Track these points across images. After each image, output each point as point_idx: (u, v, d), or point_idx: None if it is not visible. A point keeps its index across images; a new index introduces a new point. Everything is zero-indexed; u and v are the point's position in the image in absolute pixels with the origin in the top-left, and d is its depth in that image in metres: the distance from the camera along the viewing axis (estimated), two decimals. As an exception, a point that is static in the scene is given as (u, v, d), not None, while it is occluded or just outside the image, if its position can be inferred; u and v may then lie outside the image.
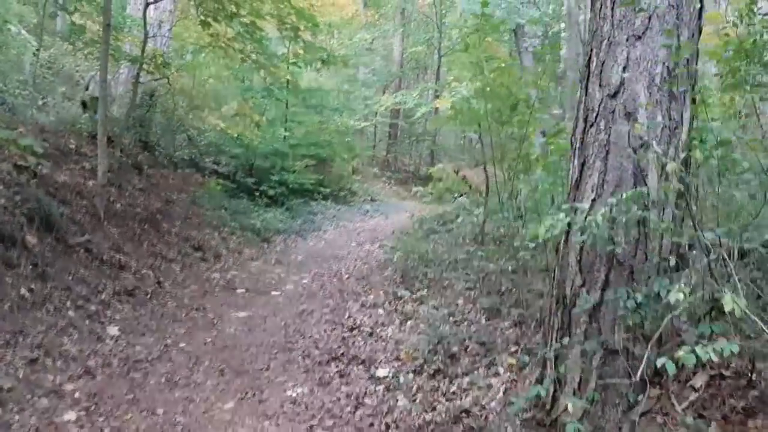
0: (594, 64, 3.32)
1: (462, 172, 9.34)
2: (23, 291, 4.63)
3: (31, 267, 4.94)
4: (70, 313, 4.80)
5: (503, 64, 6.18)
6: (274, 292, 6.77)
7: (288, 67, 10.43)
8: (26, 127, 7.36)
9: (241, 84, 13.50)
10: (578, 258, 3.05)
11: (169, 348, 4.71)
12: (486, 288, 4.70)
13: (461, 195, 9.52)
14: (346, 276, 7.47)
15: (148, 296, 5.88)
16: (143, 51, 8.76)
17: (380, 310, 5.21)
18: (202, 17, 8.29)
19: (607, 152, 3.13)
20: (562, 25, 19.89)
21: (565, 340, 2.99)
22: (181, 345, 4.81)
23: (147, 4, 8.66)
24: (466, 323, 4.24)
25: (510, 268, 4.64)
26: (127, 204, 7.75)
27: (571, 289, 3.06)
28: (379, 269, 7.32)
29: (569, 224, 2.99)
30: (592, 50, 3.37)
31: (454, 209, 9.79)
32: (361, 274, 7.39)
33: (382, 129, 23.32)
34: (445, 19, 21.73)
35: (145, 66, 8.99)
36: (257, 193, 11.80)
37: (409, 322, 4.66)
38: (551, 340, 3.13)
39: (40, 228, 5.44)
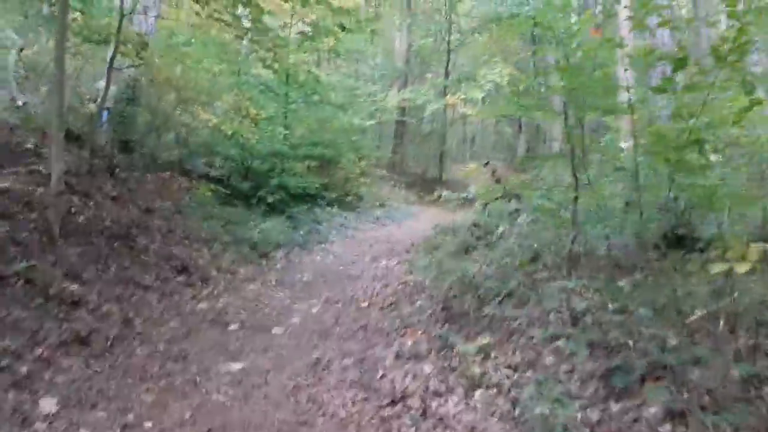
0: None
1: (497, 172, 7.89)
2: None
3: (-68, 313, 3.48)
4: (-15, 381, 3.34)
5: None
6: (276, 329, 5.30)
7: (288, 51, 8.89)
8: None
9: (237, 77, 12.02)
10: None
11: (128, 432, 3.24)
12: (585, 337, 3.26)
13: (496, 199, 8.07)
14: (365, 303, 6.00)
15: (110, 343, 4.40)
16: (119, 29, 7.29)
17: (426, 366, 3.75)
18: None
19: None
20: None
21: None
22: (147, 426, 3.34)
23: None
24: (577, 404, 2.79)
25: (642, 311, 3.18)
26: (93, 216, 6.28)
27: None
28: (407, 296, 5.86)
29: None
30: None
31: (482, 216, 8.34)
32: (385, 301, 5.93)
33: (387, 128, 21.90)
34: (455, 10, 20.30)
35: (122, 49, 7.52)
36: (254, 200, 10.32)
37: (478, 392, 3.21)
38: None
39: (-43, 254, 3.98)
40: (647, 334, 3.04)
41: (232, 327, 5.35)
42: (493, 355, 3.45)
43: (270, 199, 10.59)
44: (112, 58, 7.27)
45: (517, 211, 7.45)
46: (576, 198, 3.96)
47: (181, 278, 6.39)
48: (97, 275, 5.33)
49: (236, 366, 4.29)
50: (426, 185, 20.09)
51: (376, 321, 5.20)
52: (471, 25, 19.65)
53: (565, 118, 4.47)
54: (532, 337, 3.59)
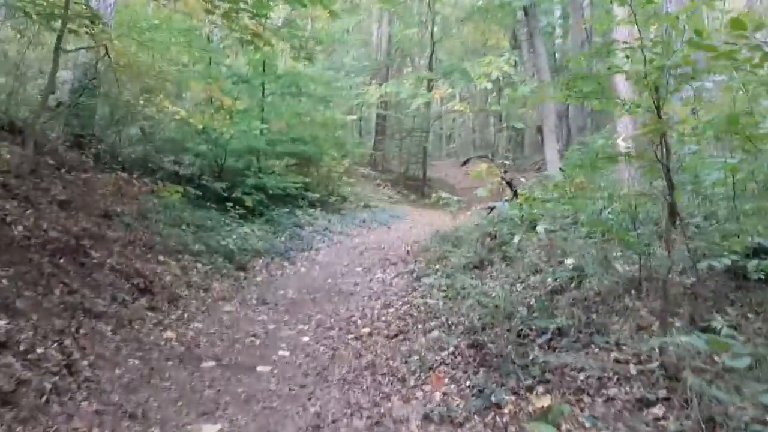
0: None
1: (508, 174, 7.03)
2: None
3: None
4: None
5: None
6: (261, 368, 4.31)
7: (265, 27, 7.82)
8: None
9: (208, 66, 10.89)
10: None
11: None
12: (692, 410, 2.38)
13: (507, 201, 7.21)
14: (366, 329, 5.05)
15: (45, 398, 3.36)
16: (67, 5, 6.16)
17: (469, 437, 2.82)
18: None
19: None
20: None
21: None
22: None
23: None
24: None
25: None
26: (34, 226, 5.19)
27: None
28: (417, 321, 4.93)
29: None
30: None
31: (489, 223, 7.48)
32: (390, 327, 4.98)
33: (367, 124, 20.92)
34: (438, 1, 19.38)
35: (71, 26, 6.39)
36: (229, 202, 9.25)
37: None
38: None
39: None
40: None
41: (206, 364, 4.34)
42: (564, 428, 2.54)
43: (247, 201, 9.53)
44: (60, 37, 6.14)
45: (529, 216, 6.60)
46: (673, 207, 3.06)
47: (143, 300, 5.34)
48: (34, 303, 4.25)
49: (211, 429, 3.29)
50: (409, 184, 19.19)
51: (383, 357, 4.25)
52: (456, 15, 18.78)
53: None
54: (612, 399, 2.69)
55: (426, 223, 10.72)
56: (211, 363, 4.37)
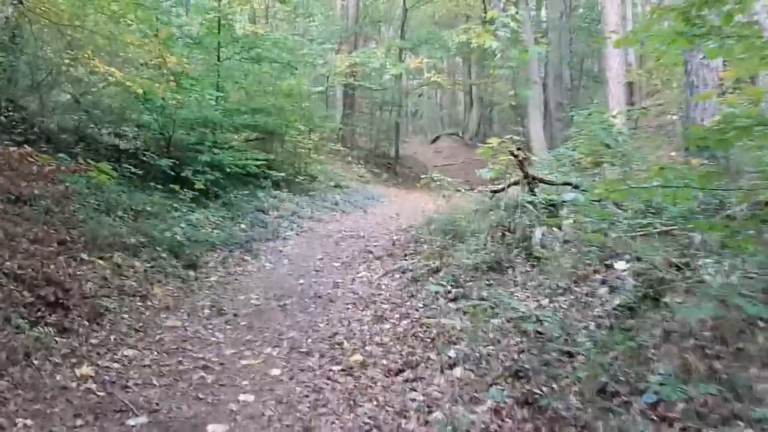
0: None
1: (522, 152, 5.83)
2: None
3: None
4: None
5: None
6: (213, 428, 3.01)
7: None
8: None
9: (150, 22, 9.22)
10: None
11: None
12: None
13: (512, 184, 6.03)
14: (357, 357, 3.80)
15: None
16: None
17: None
18: None
19: None
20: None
21: None
22: None
23: None
24: None
25: None
26: None
27: None
28: (425, 347, 3.70)
29: None
30: None
31: (493, 210, 6.30)
32: (390, 355, 3.75)
33: (334, 97, 19.43)
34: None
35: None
36: (178, 183, 7.76)
37: None
38: None
39: None
40: None
41: (135, 421, 3.02)
42: None
43: (200, 181, 8.05)
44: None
45: (548, 203, 5.45)
46: None
47: (53, 319, 3.94)
48: None
49: None
50: (380, 162, 17.89)
51: (389, 409, 3.01)
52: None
53: None
54: None
55: (408, 206, 9.52)
56: (142, 419, 3.05)
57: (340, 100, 18.99)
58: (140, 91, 7.05)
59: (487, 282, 4.38)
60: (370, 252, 6.62)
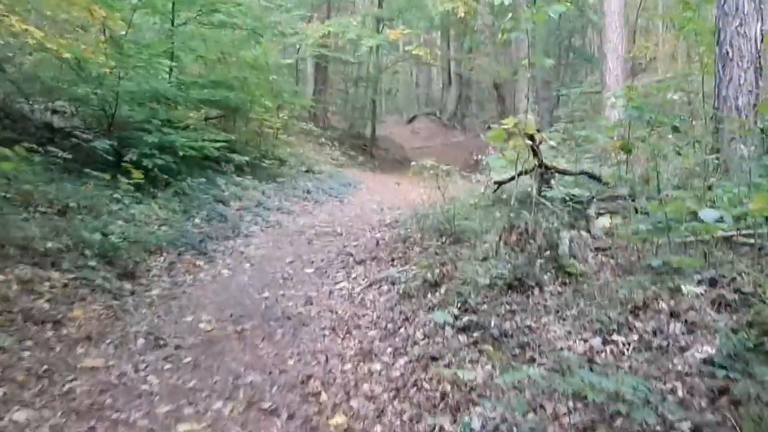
0: None
1: (541, 135, 4.81)
2: None
3: None
4: None
5: None
6: None
7: None
8: None
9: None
10: None
11: None
12: None
13: (521, 174, 4.99)
14: (339, 419, 2.75)
15: None
16: None
17: None
18: None
19: None
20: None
21: None
22: None
23: None
24: None
25: None
26: None
27: None
28: (432, 406, 2.67)
29: None
30: None
31: (495, 204, 5.32)
32: (383, 419, 2.70)
33: (304, 72, 18.06)
34: None
35: None
36: (119, 168, 6.51)
37: None
38: None
39: None
40: None
41: None
42: None
43: (146, 165, 6.80)
44: None
45: (570, 198, 4.45)
46: None
47: None
48: None
49: None
50: (355, 143, 16.71)
51: None
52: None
53: None
54: None
55: (389, 194, 8.46)
56: None
57: (311, 74, 17.64)
58: (67, 55, 5.76)
59: (509, 306, 3.36)
60: (350, 254, 5.54)
